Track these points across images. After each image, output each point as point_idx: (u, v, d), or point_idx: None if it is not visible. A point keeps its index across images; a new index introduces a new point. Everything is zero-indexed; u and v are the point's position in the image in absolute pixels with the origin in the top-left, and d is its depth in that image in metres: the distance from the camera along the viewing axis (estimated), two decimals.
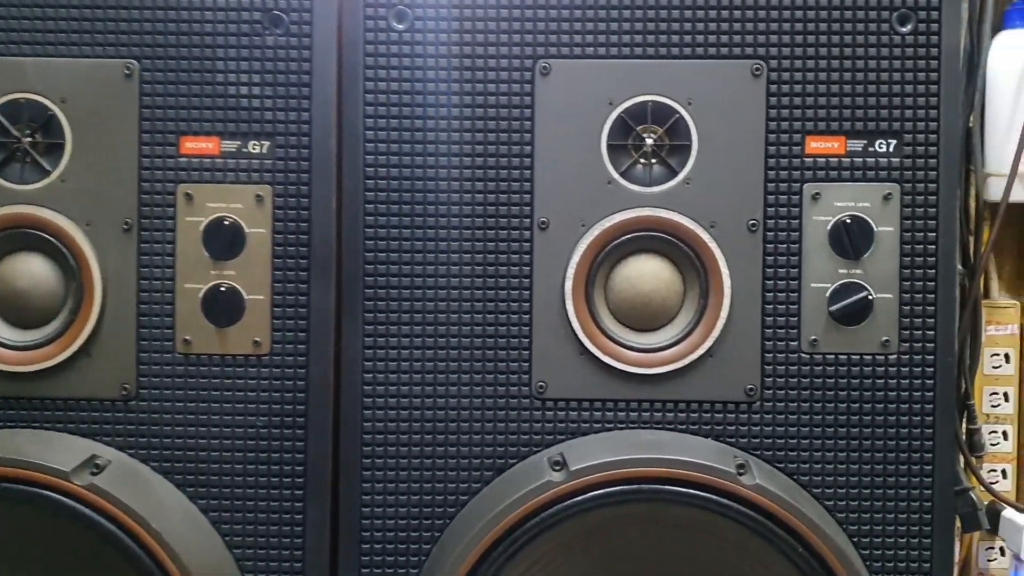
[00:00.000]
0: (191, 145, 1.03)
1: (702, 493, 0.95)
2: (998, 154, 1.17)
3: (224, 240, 1.02)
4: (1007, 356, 1.24)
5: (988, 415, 1.24)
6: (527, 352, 1.03)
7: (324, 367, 1.03)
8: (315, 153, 1.02)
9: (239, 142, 1.03)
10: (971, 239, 1.20)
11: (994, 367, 1.24)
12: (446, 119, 1.02)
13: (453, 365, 1.03)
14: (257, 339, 1.03)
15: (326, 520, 1.03)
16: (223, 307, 1.02)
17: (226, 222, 1.02)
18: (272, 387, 1.03)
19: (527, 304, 1.03)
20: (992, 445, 1.23)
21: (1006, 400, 1.24)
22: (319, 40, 1.02)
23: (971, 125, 1.16)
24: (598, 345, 1.02)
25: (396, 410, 1.03)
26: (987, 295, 1.25)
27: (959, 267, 1.05)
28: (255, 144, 1.03)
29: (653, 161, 1.02)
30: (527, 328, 1.03)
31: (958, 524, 1.09)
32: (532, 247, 1.02)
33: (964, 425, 1.16)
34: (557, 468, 0.97)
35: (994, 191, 1.17)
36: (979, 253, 1.19)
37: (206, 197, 1.03)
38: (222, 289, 1.02)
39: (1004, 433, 1.24)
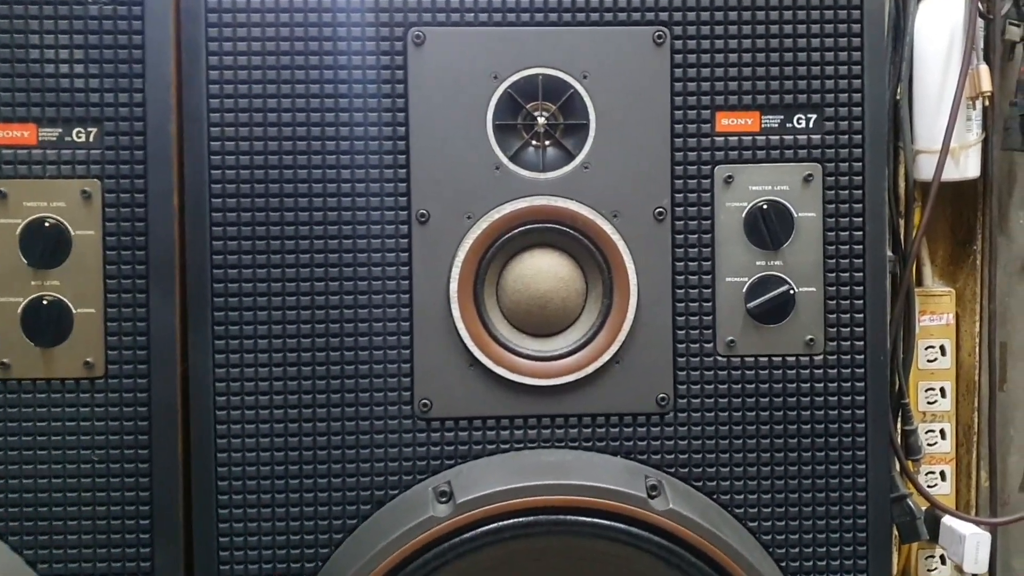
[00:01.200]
0: (3, 134, 0.87)
1: (609, 523, 0.83)
2: (928, 129, 1.07)
3: (45, 245, 0.88)
4: (943, 348, 1.15)
5: (924, 413, 1.14)
6: (407, 365, 0.89)
7: (169, 391, 0.89)
8: (151, 141, 0.88)
9: (60, 129, 0.88)
10: (901, 222, 1.10)
11: (929, 360, 1.15)
12: (304, 97, 0.88)
13: (321, 384, 0.89)
14: (89, 360, 0.88)
15: (179, 566, 0.89)
16: (47, 323, 0.88)
17: (47, 224, 0.88)
18: (109, 415, 0.89)
19: (406, 310, 0.89)
20: (929, 445, 1.14)
21: (942, 396, 1.15)
22: (152, 8, 0.87)
23: (898, 98, 1.06)
24: (490, 354, 0.89)
25: (255, 438, 0.89)
26: (919, 282, 1.16)
27: (889, 253, 0.95)
28: (80, 132, 0.88)
29: (546, 143, 0.90)
30: (407, 338, 0.89)
31: (895, 533, 0.99)
32: (410, 243, 0.89)
33: (899, 426, 1.06)
34: (443, 500, 0.84)
35: (925, 169, 1.08)
36: (910, 238, 1.10)
37: (22, 195, 0.88)
38: (45, 302, 0.88)
39: (941, 432, 1.15)
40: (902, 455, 1.06)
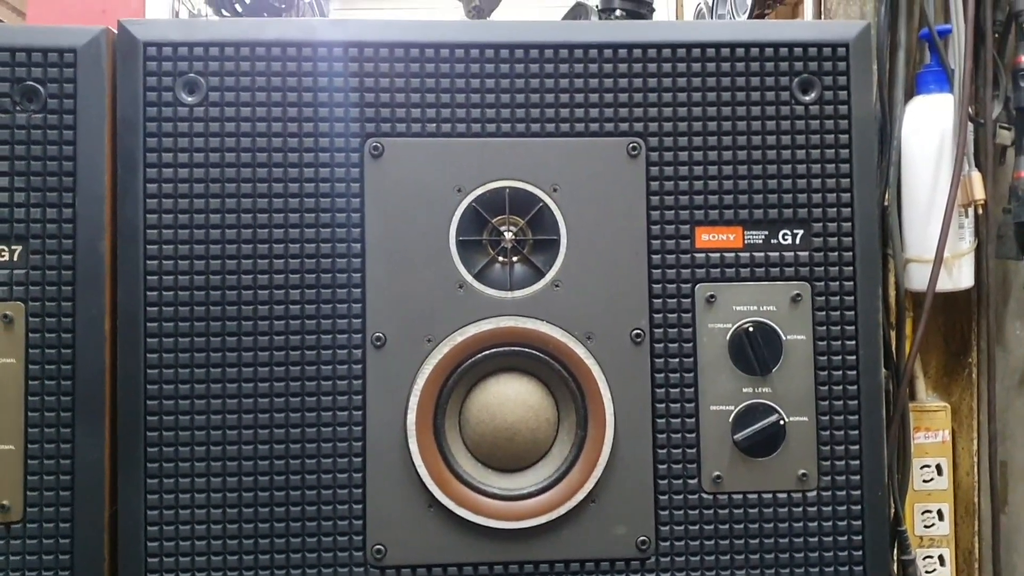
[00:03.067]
0: None
1: None
2: (919, 237, 1.01)
3: None
4: (939, 467, 1.08)
5: (921, 538, 1.06)
6: (359, 507, 0.81)
7: (94, 537, 0.80)
8: (80, 260, 0.80)
9: None
10: (893, 335, 1.04)
11: (925, 481, 1.07)
12: (250, 212, 0.81)
13: (264, 528, 0.80)
14: (5, 503, 0.79)
15: None
16: None
17: None
18: (26, 564, 0.79)
19: (359, 444, 0.81)
20: (927, 573, 1.06)
21: (940, 519, 1.07)
22: (85, 118, 0.80)
23: (886, 204, 1.01)
24: (451, 494, 0.81)
25: None
26: (912, 396, 1.09)
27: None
28: (2, 250, 0.80)
29: (514, 259, 0.83)
30: (359, 475, 0.81)
31: None
32: (364, 369, 0.81)
33: (896, 556, 0.98)
34: None
35: (916, 278, 1.02)
36: (902, 350, 1.03)
37: None
38: None
39: (940, 558, 1.07)
40: None
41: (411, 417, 0.81)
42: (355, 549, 0.81)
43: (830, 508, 0.83)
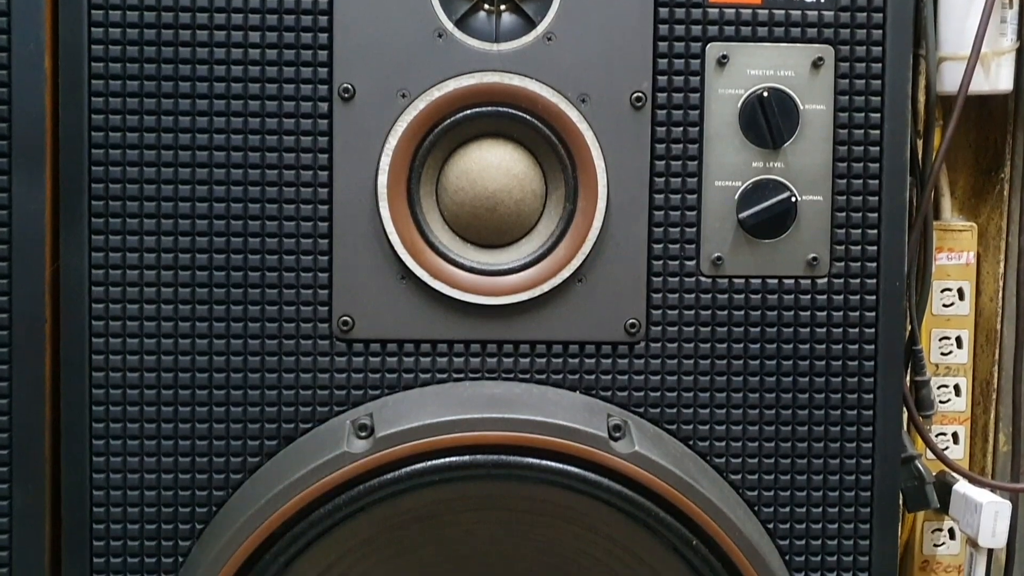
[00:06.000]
0: None
1: (561, 466, 0.68)
2: (955, 32, 0.92)
3: None
4: (960, 292, 1.00)
5: (937, 366, 0.99)
6: (325, 275, 0.74)
7: (35, 297, 0.73)
8: None
9: None
10: (920, 143, 0.95)
11: (945, 305, 1.00)
12: None
13: (219, 293, 0.74)
14: None
15: (42, 509, 0.73)
16: None
17: None
18: None
19: (325, 207, 0.74)
20: (941, 403, 0.99)
21: (959, 346, 1.00)
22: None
23: None
24: (425, 265, 0.74)
25: (139, 355, 0.74)
26: (936, 216, 1.01)
27: None
28: None
29: (501, 7, 0.74)
30: (325, 241, 0.74)
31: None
32: (331, 125, 0.73)
33: (909, 376, 0.91)
34: (362, 434, 0.69)
35: (949, 80, 0.92)
36: (928, 161, 0.94)
37: None
38: None
39: (956, 388, 1.00)
40: (913, 409, 0.91)
41: (382, 180, 0.73)
42: (320, 320, 0.74)
43: (841, 297, 0.76)
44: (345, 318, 0.74)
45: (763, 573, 0.69)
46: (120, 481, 0.74)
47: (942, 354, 1.00)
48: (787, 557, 0.77)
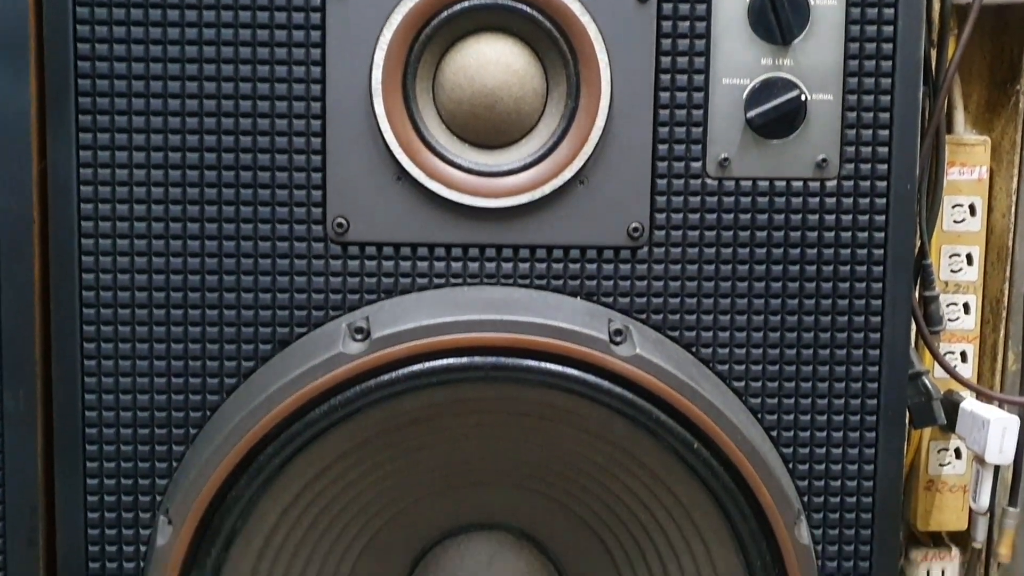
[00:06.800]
0: None
1: (561, 368, 0.66)
2: None
3: None
4: (972, 207, 0.97)
5: (947, 283, 0.97)
6: (318, 175, 0.72)
7: (21, 196, 0.71)
8: None
9: None
10: (934, 53, 0.92)
11: (956, 221, 0.97)
12: None
13: (211, 194, 0.72)
14: None
15: (33, 412, 0.72)
16: None
17: None
18: None
19: (317, 104, 0.72)
20: (950, 321, 0.97)
21: (968, 263, 0.98)
22: None
23: None
24: (421, 165, 0.72)
25: (129, 256, 0.72)
26: (949, 129, 0.98)
27: None
28: None
29: None
30: (318, 140, 0.72)
31: None
32: (323, 18, 0.71)
33: (919, 291, 0.89)
34: (358, 336, 0.67)
35: None
36: (942, 70, 0.91)
37: None
38: None
39: (965, 306, 0.98)
40: (923, 323, 0.89)
41: (376, 75, 0.71)
42: (314, 222, 0.72)
43: (851, 199, 0.74)
44: (339, 220, 0.72)
45: (765, 477, 0.68)
46: (112, 385, 0.72)
47: (952, 271, 0.98)
48: (790, 465, 0.75)
